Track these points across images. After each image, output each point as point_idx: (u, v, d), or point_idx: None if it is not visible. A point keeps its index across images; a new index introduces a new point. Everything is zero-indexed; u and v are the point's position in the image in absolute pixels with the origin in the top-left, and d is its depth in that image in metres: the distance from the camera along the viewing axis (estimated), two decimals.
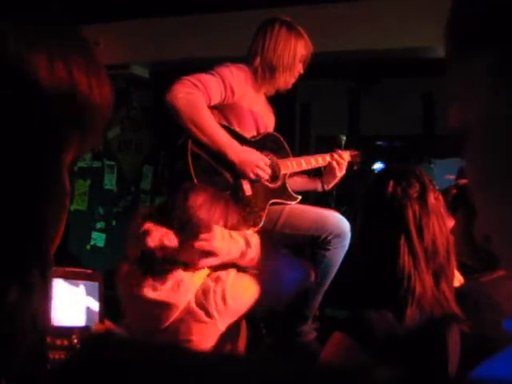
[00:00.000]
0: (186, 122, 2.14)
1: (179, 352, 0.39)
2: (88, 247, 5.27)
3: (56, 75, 0.45)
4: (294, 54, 2.40)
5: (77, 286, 0.77)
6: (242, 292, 1.58)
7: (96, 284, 0.77)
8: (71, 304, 0.78)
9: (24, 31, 0.44)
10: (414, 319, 1.25)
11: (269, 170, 2.31)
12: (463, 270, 1.65)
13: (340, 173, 2.56)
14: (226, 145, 2.20)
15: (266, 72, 2.38)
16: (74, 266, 3.72)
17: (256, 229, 2.24)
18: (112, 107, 0.52)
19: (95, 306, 0.75)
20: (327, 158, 2.57)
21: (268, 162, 2.32)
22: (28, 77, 0.43)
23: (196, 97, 2.15)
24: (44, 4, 0.48)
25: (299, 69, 2.45)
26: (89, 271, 0.76)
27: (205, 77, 2.21)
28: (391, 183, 1.35)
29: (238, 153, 2.23)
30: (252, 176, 2.25)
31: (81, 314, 0.77)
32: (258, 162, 2.26)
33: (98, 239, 5.34)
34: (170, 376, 0.34)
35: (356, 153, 2.71)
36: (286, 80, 2.44)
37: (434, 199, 1.34)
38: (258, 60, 2.37)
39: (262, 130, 2.45)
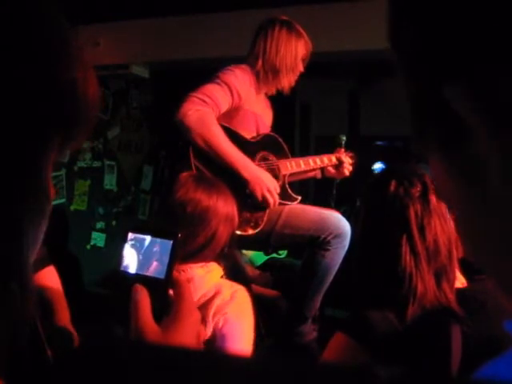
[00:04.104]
0: (197, 139, 2.13)
1: (179, 352, 0.39)
2: (88, 247, 5.27)
3: (38, 71, 0.44)
4: (296, 54, 2.40)
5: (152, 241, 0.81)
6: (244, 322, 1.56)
7: (170, 242, 0.80)
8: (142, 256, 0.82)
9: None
10: (416, 319, 1.25)
11: (277, 197, 2.29)
12: (467, 271, 1.64)
13: (343, 175, 2.64)
14: (238, 162, 2.19)
15: (269, 74, 2.39)
16: (74, 265, 3.69)
17: (257, 230, 2.25)
18: (100, 107, 0.51)
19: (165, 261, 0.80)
20: (325, 159, 2.61)
21: (278, 188, 2.30)
22: (12, 70, 0.43)
23: (205, 113, 2.14)
24: None
25: (300, 68, 2.46)
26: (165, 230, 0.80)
27: (211, 89, 2.20)
28: (393, 183, 1.34)
29: (251, 170, 2.22)
30: (259, 197, 2.23)
31: (152, 266, 0.81)
32: (269, 185, 2.25)
33: (98, 239, 5.34)
34: (170, 376, 0.34)
35: (351, 154, 2.74)
36: (290, 80, 2.45)
37: (437, 199, 1.34)
38: (260, 63, 2.37)
39: (262, 131, 2.45)
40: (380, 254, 1.34)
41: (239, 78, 2.28)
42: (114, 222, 5.43)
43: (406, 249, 1.29)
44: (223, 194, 1.63)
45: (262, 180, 2.23)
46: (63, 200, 4.95)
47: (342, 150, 2.70)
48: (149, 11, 4.41)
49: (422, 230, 1.30)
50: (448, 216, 1.36)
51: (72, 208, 5.12)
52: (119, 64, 4.74)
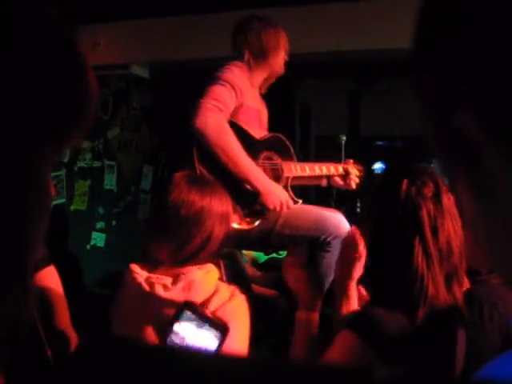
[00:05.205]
0: (215, 148, 2.14)
1: (177, 352, 0.39)
2: (88, 247, 5.27)
3: (36, 73, 0.44)
4: (277, 39, 2.45)
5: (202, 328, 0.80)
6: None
7: (219, 334, 0.79)
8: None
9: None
10: (425, 320, 1.24)
11: (285, 208, 2.30)
12: (468, 273, 1.63)
13: (349, 187, 2.65)
14: (252, 173, 2.22)
15: (259, 59, 2.42)
16: (74, 265, 3.69)
17: (252, 226, 2.25)
18: (98, 106, 0.51)
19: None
20: (332, 168, 2.62)
21: (291, 202, 2.31)
22: (11, 71, 0.43)
23: (223, 122, 2.17)
24: None
25: (285, 56, 2.49)
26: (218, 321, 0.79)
27: (219, 92, 2.20)
28: (405, 182, 1.32)
29: (263, 183, 2.24)
30: (271, 208, 2.24)
31: None
32: (281, 197, 2.26)
33: (98, 239, 5.33)
34: (169, 377, 0.34)
35: (360, 168, 2.74)
36: (279, 62, 2.47)
37: (448, 199, 1.31)
38: (246, 54, 2.41)
39: (263, 126, 2.47)
40: (392, 254, 1.32)
41: (237, 74, 2.30)
42: (114, 222, 5.42)
43: (418, 250, 1.27)
44: (217, 193, 1.62)
45: (274, 193, 2.25)
46: (63, 200, 4.95)
47: (351, 160, 2.70)
48: (149, 11, 4.41)
49: (435, 231, 1.28)
50: (458, 215, 1.34)
51: (72, 208, 5.12)
52: (119, 64, 4.73)
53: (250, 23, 2.47)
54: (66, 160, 4.88)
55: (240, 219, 2.20)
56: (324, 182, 2.68)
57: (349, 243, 1.58)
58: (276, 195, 2.25)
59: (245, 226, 2.23)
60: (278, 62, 2.47)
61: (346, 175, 2.63)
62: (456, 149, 0.38)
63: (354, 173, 2.65)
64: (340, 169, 2.64)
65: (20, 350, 0.44)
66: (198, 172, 2.15)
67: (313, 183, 2.69)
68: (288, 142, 2.51)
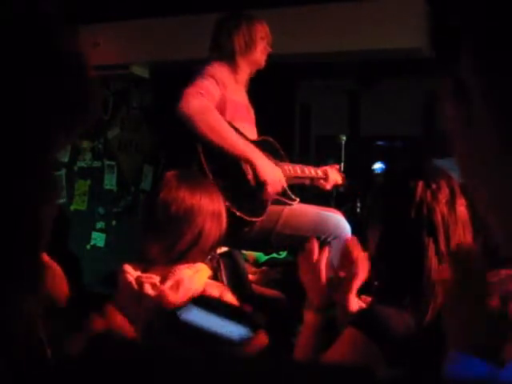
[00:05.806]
0: (202, 127, 2.15)
1: (177, 353, 0.39)
2: (88, 247, 5.27)
3: (43, 74, 0.44)
4: (252, 34, 2.44)
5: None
6: None
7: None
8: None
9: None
10: (432, 323, 1.24)
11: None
12: None
13: (326, 188, 2.72)
14: (244, 147, 2.25)
15: (237, 59, 2.42)
16: (74, 265, 3.69)
17: (257, 218, 2.27)
18: (101, 99, 0.51)
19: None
20: (319, 172, 2.67)
21: (284, 182, 2.37)
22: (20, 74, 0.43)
23: (206, 103, 2.18)
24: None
25: (264, 48, 2.48)
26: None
27: (200, 82, 2.23)
28: (420, 184, 1.31)
29: (259, 156, 2.27)
30: (268, 179, 2.28)
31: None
32: (276, 174, 2.31)
33: (98, 239, 5.33)
34: (169, 377, 0.34)
35: (342, 175, 2.81)
36: (259, 56, 2.48)
37: (461, 206, 1.30)
38: (224, 55, 2.41)
39: (252, 121, 2.50)
40: (403, 254, 1.32)
41: (217, 67, 2.34)
42: (114, 222, 5.42)
43: (431, 252, 1.27)
44: (208, 191, 1.62)
45: (269, 166, 2.30)
46: (63, 200, 4.95)
47: (336, 166, 2.82)
48: (149, 11, 4.41)
49: (447, 236, 1.28)
50: (469, 223, 1.32)
51: (72, 208, 5.11)
52: (119, 64, 4.74)
53: (223, 25, 2.49)
54: (66, 160, 4.88)
55: (245, 211, 2.22)
56: (307, 181, 2.75)
57: (346, 255, 1.52)
58: (272, 169, 2.29)
59: (254, 219, 2.25)
60: (258, 56, 2.48)
61: (325, 178, 2.70)
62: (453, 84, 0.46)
63: (334, 178, 2.68)
64: (319, 172, 2.71)
65: (20, 350, 0.44)
66: (208, 173, 2.16)
67: (297, 182, 2.74)
68: (279, 146, 2.55)
